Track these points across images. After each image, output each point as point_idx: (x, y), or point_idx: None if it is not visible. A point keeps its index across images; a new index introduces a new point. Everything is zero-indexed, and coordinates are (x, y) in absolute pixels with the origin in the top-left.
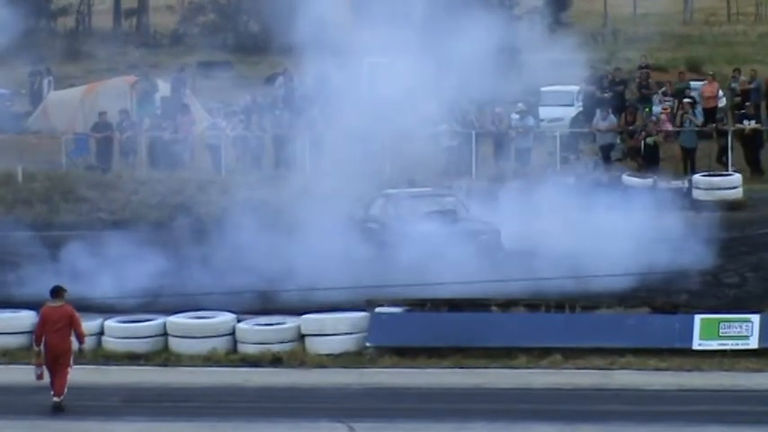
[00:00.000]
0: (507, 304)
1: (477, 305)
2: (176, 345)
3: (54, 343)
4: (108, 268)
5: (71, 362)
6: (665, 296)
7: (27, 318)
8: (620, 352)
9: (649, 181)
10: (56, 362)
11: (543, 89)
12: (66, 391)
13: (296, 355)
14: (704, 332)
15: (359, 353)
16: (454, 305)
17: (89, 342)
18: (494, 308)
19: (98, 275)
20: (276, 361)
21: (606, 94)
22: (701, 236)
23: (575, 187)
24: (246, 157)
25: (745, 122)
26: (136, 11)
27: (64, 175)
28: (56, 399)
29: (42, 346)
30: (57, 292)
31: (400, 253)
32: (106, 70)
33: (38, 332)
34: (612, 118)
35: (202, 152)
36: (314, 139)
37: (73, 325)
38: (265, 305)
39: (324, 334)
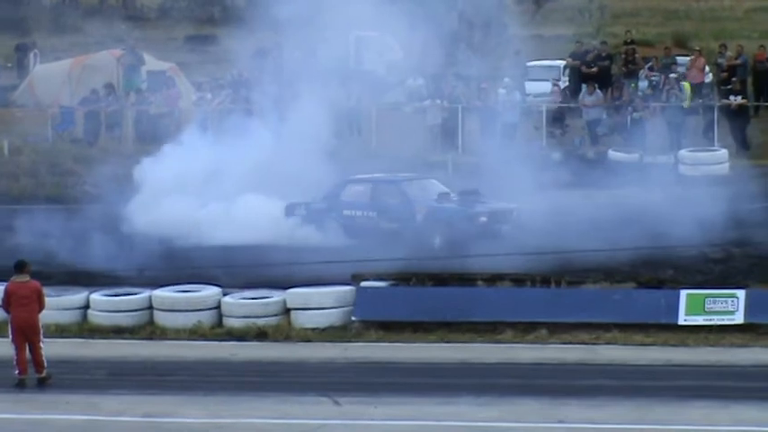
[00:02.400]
0: (493, 279)
1: (462, 280)
2: (162, 318)
3: (23, 318)
4: (95, 241)
5: (41, 336)
6: (650, 271)
7: None
8: (606, 327)
9: (635, 156)
10: (25, 338)
11: (529, 64)
12: (45, 364)
13: (281, 329)
14: (690, 307)
15: (344, 327)
16: (440, 280)
17: (75, 315)
18: (479, 282)
19: (86, 247)
20: (261, 335)
21: (592, 69)
22: (686, 211)
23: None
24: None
25: (732, 98)
26: None
27: (50, 149)
28: (38, 375)
29: (9, 323)
30: (22, 266)
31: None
32: (92, 44)
33: (3, 308)
34: (599, 93)
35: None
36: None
37: (40, 300)
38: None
39: (309, 308)
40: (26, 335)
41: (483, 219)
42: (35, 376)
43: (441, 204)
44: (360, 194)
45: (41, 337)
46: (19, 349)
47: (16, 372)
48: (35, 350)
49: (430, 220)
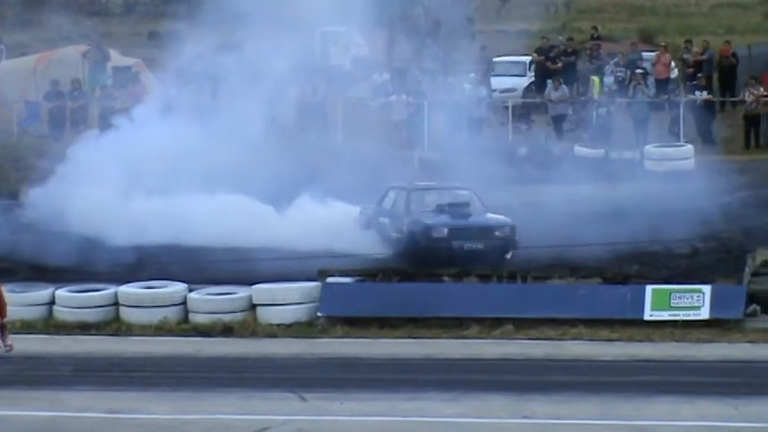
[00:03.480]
0: (459, 275)
1: (429, 275)
2: (127, 314)
3: None
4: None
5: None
6: (616, 267)
7: None
8: (572, 322)
9: (601, 152)
10: None
11: (495, 59)
12: None
13: (247, 325)
14: (655, 303)
15: (310, 323)
16: (406, 275)
17: (40, 311)
18: (446, 278)
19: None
20: (227, 330)
21: (557, 65)
22: (652, 207)
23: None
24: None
25: (697, 93)
26: None
27: (15, 144)
28: None
29: None
30: None
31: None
32: (58, 39)
33: None
34: (564, 89)
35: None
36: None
37: None
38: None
39: (275, 304)
40: None
41: (439, 233)
42: None
43: (413, 216)
44: (390, 201)
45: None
46: None
47: None
48: None
49: (406, 232)
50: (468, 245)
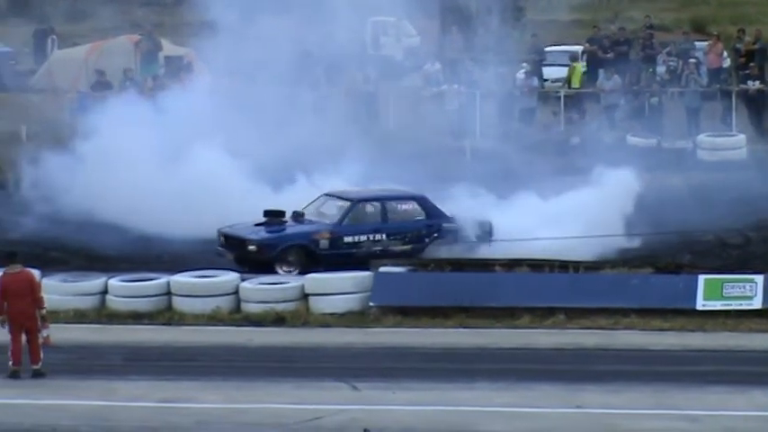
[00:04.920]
0: (511, 264)
1: (480, 265)
2: (180, 304)
3: (20, 310)
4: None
5: (39, 327)
6: (668, 256)
7: None
8: (624, 312)
9: (653, 141)
10: (21, 329)
11: (547, 49)
12: (42, 356)
13: (299, 315)
14: (708, 292)
15: (362, 312)
16: (458, 265)
17: (93, 301)
18: (497, 268)
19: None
20: (279, 320)
21: (609, 55)
22: (704, 196)
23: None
24: None
25: (750, 83)
26: None
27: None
28: (35, 367)
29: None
30: (14, 257)
31: None
32: (110, 29)
33: None
34: (617, 78)
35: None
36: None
37: (33, 290)
38: None
39: (327, 293)
40: (23, 326)
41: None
42: (31, 367)
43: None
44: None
45: (39, 327)
46: (14, 340)
47: (10, 363)
48: (33, 339)
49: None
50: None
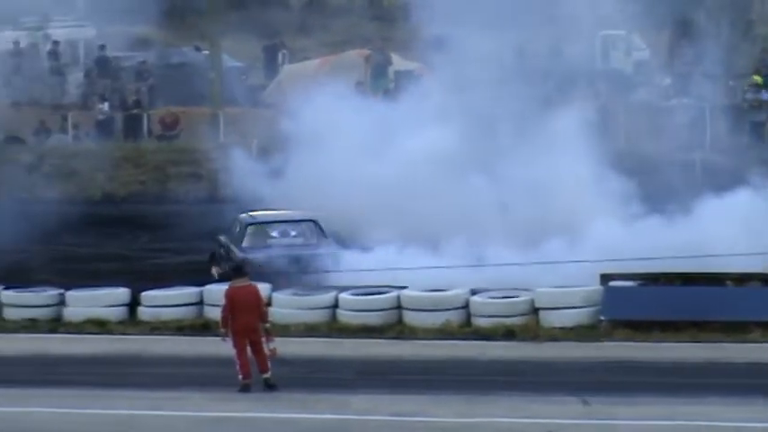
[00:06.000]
0: (742, 279)
1: (711, 279)
2: (410, 318)
3: (246, 323)
4: None
5: (264, 339)
6: None
7: None
8: None
9: None
10: (246, 340)
11: None
12: (270, 365)
13: (529, 329)
14: None
15: (591, 326)
16: (688, 279)
17: (324, 315)
18: (728, 282)
19: None
20: (509, 334)
21: None
22: None
23: None
24: None
25: None
26: None
27: None
28: (265, 376)
29: (230, 327)
30: (242, 270)
31: None
32: (339, 43)
33: (225, 314)
34: None
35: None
36: None
37: (259, 303)
38: None
39: (557, 307)
40: (249, 337)
41: None
42: (262, 377)
43: None
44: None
45: (264, 337)
46: (240, 354)
47: (240, 377)
48: (259, 350)
49: None
50: None
